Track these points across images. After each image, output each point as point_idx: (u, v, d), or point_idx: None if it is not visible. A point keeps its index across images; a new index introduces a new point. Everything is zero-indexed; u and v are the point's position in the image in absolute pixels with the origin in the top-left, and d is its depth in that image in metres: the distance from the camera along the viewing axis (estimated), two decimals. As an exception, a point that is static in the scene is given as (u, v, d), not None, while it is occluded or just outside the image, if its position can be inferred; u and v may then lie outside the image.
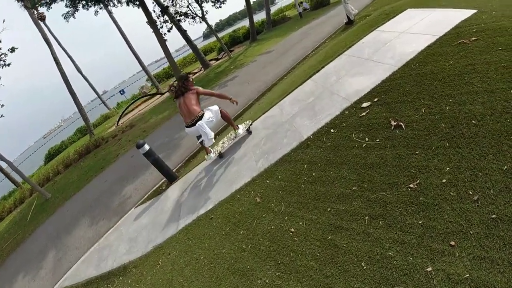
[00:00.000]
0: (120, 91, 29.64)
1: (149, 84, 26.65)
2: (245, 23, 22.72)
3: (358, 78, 3.95)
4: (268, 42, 17.13)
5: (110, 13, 21.33)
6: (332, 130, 3.38)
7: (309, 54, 9.70)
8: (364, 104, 3.33)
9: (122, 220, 5.75)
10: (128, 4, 16.30)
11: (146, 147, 5.50)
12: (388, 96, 3.21)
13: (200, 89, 4.69)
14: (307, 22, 16.94)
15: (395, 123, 2.84)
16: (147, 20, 15.82)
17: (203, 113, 4.49)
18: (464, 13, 3.78)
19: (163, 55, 17.04)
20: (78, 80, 27.88)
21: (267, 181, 3.51)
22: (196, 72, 20.79)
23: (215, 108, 4.76)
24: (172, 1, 17.61)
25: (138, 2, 16.09)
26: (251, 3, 22.82)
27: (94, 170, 10.86)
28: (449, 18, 3.84)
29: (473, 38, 3.19)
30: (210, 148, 5.17)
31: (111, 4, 17.27)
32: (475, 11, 3.76)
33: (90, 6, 15.79)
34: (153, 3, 17.36)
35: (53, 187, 12.69)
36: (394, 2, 8.69)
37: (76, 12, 16.17)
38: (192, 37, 20.12)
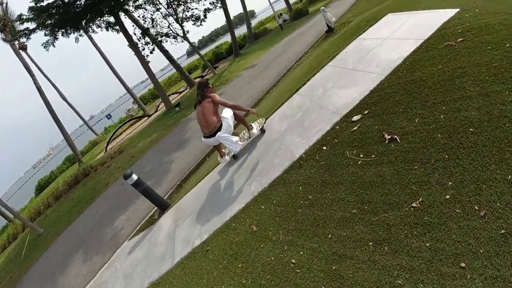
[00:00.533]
0: (106, 116, 29.29)
1: (136, 107, 26.37)
2: (228, 38, 22.90)
3: (345, 89, 3.84)
4: (251, 56, 17.19)
5: (91, 38, 21.18)
6: (324, 148, 3.23)
7: (293, 66, 9.69)
8: (355, 118, 3.21)
9: (116, 255, 5.47)
10: (107, 30, 16.17)
11: (134, 177, 5.27)
12: (378, 108, 3.10)
13: (217, 97, 4.39)
14: (288, 33, 17.09)
15: (389, 137, 2.71)
16: (128, 44, 15.72)
17: (221, 124, 4.32)
18: (447, 13, 3.73)
19: (146, 77, 16.93)
20: (65, 107, 27.47)
21: (262, 207, 3.33)
22: (182, 91, 20.69)
23: (230, 114, 4.54)
24: (152, 23, 17.57)
25: (117, 27, 16.01)
26: (232, 17, 23.03)
27: (84, 201, 10.53)
28: (431, 20, 3.79)
29: (460, 39, 3.12)
30: (224, 151, 4.99)
31: (90, 30, 17.14)
32: (457, 10, 3.72)
33: (70, 33, 15.64)
34: (133, 26, 17.30)
35: (44, 221, 12.32)
36: (372, 8, 8.79)
37: (55, 41, 15.96)
38: (176, 55, 20.10)
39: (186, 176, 6.56)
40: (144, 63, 15.87)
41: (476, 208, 1.91)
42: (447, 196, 2.08)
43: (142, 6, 16.98)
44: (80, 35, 17.04)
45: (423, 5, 4.51)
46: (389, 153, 2.62)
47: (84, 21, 14.91)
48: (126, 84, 23.00)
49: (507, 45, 2.71)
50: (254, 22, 39.34)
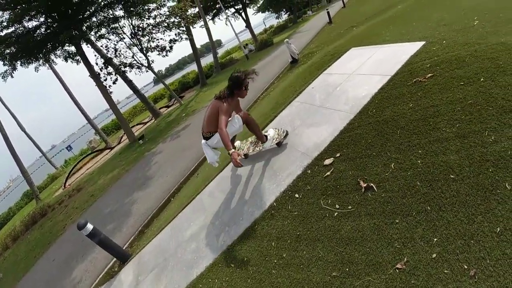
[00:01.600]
0: (67, 148, 27.59)
1: (98, 138, 25.04)
2: (195, 66, 22.82)
3: (314, 128, 3.65)
4: (218, 86, 17.09)
5: (50, 68, 20.06)
6: (297, 195, 2.94)
7: (259, 97, 9.61)
8: (327, 161, 2.98)
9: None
10: (66, 60, 15.41)
11: (89, 227, 4.66)
12: (350, 150, 2.90)
13: (223, 110, 3.38)
14: (254, 63, 17.31)
15: (365, 185, 2.48)
16: (89, 74, 15.03)
17: (211, 136, 3.74)
18: (412, 47, 3.72)
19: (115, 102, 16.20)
20: (25, 138, 25.54)
21: (232, 265, 2.92)
22: (147, 122, 19.98)
23: (239, 123, 3.77)
24: (115, 53, 17.04)
25: (78, 58, 15.34)
26: (199, 46, 23.11)
27: (41, 246, 9.47)
28: (397, 54, 3.76)
29: (429, 75, 3.05)
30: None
31: (49, 60, 16.28)
32: (423, 42, 3.72)
33: (30, 63, 14.73)
34: (95, 55, 16.66)
35: (3, 264, 10.99)
36: (336, 41, 9.07)
37: (14, 71, 14.94)
38: (143, 83, 19.65)
39: (148, 221, 5.99)
40: (106, 94, 15.16)
41: (465, 267, 1.71)
42: (434, 255, 1.86)
43: (105, 36, 16.48)
44: (39, 65, 16.15)
45: (387, 38, 4.55)
46: (366, 204, 2.38)
47: (44, 50, 14.14)
48: (87, 114, 21.84)
49: (481, 79, 2.64)
50: (220, 52, 40.07)
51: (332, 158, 2.96)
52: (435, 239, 1.92)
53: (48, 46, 13.95)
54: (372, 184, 2.45)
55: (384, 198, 2.33)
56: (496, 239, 1.74)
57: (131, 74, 22.14)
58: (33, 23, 13.64)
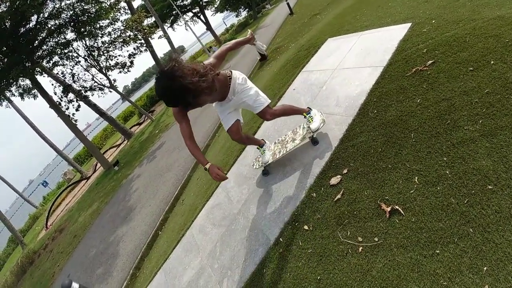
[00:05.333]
0: (42, 184, 26.10)
1: (72, 169, 23.71)
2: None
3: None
4: (188, 95, 16.36)
5: (10, 104, 18.55)
6: (306, 227, 2.47)
7: (234, 102, 9.07)
8: (333, 180, 2.51)
9: None
10: (22, 98, 14.24)
11: (75, 286, 4.00)
12: (359, 164, 2.44)
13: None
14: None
15: (388, 208, 2.03)
16: (49, 105, 13.93)
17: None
18: (399, 31, 3.30)
19: (85, 126, 15.19)
20: None
21: (243, 326, 2.42)
22: (120, 144, 18.97)
23: None
24: (73, 78, 15.92)
25: (34, 91, 14.22)
26: (162, 55, 22.21)
27: None
28: (383, 41, 3.34)
29: (429, 62, 2.64)
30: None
31: (6, 98, 15.05)
32: (409, 24, 3.31)
33: None
34: (52, 84, 15.47)
35: None
36: (303, 32, 8.66)
37: None
38: (111, 101, 18.58)
39: (138, 261, 5.38)
40: (70, 123, 14.11)
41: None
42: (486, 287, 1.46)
43: (59, 63, 15.34)
44: None
45: (364, 23, 4.12)
46: (395, 233, 1.93)
47: None
48: (57, 147, 20.49)
49: (491, 62, 2.25)
50: (185, 57, 38.98)
51: (339, 176, 2.50)
52: (485, 268, 1.53)
53: (1, 85, 12.79)
54: (397, 207, 2.01)
55: (415, 223, 1.89)
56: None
57: (96, 97, 20.97)
58: None
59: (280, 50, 9.44)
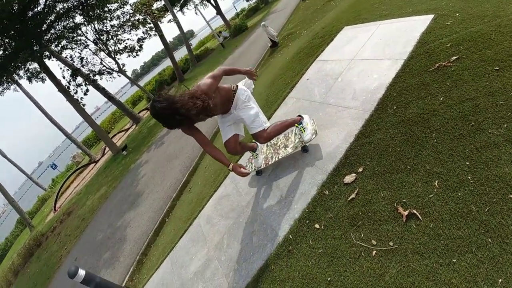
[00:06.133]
0: (51, 166, 26.44)
1: (81, 152, 24.00)
2: (170, 61, 21.70)
3: (321, 132, 3.06)
4: (196, 80, 16.17)
5: (19, 87, 18.68)
6: (317, 226, 2.39)
7: (244, 89, 8.92)
8: (348, 179, 2.42)
9: None
10: (30, 81, 14.24)
11: (81, 273, 3.99)
12: (376, 163, 2.34)
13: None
14: (231, 51, 16.47)
15: (405, 212, 1.94)
16: (58, 89, 13.95)
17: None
18: (421, 22, 3.12)
19: (94, 109, 15.28)
20: (8, 165, 24.31)
21: (250, 321, 2.39)
22: (128, 129, 19.03)
23: None
24: (82, 62, 15.86)
25: (42, 75, 14.22)
26: (171, 39, 21.97)
27: (41, 283, 8.87)
28: (404, 33, 3.16)
29: (454, 57, 2.48)
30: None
31: (14, 81, 15.12)
32: (432, 16, 3.12)
33: None
34: (61, 69, 15.44)
35: None
36: (316, 18, 8.38)
37: None
38: (120, 84, 18.56)
39: (145, 248, 5.42)
40: (79, 108, 14.14)
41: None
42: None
43: (68, 46, 15.26)
44: (5, 89, 15.01)
45: (384, 12, 3.91)
46: (412, 239, 1.84)
47: (5, 73, 13.04)
48: (66, 131, 20.61)
49: (520, 62, 2.11)
50: (194, 42, 38.63)
51: (354, 175, 2.40)
52: (500, 280, 1.47)
53: (10, 68, 12.82)
54: (414, 211, 1.91)
55: (433, 230, 1.80)
56: None
57: (104, 81, 20.97)
58: None
59: (291, 37, 9.20)
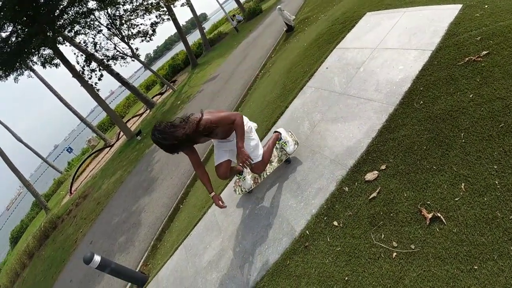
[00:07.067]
0: (67, 150, 27.07)
1: (95, 135, 24.44)
2: (183, 46, 21.53)
3: (341, 125, 2.97)
4: (210, 65, 16.08)
5: (33, 72, 18.97)
6: (335, 223, 2.34)
7: (258, 75, 8.78)
8: (369, 176, 2.34)
9: None
10: (44, 67, 14.39)
11: (97, 259, 4.15)
12: (400, 161, 2.24)
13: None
14: (245, 35, 16.15)
15: (429, 215, 1.86)
16: (72, 75, 14.09)
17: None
18: (449, 12, 2.93)
19: (108, 94, 15.47)
20: (23, 148, 25.02)
21: (265, 314, 2.41)
22: (142, 113, 19.18)
23: None
24: (95, 47, 15.89)
25: (56, 61, 14.35)
26: (184, 23, 21.73)
27: (56, 265, 9.23)
28: (431, 22, 2.97)
29: (484, 52, 2.32)
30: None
31: (26, 68, 15.33)
32: (460, 6, 2.92)
33: (8, 75, 13.90)
34: (75, 54, 15.54)
35: (23, 286, 10.86)
36: (335, 3, 8.05)
37: None
38: (134, 69, 18.59)
39: (159, 233, 5.52)
40: (93, 93, 14.28)
41: None
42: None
43: (81, 32, 15.27)
44: (18, 75, 15.27)
45: (409, -2, 3.70)
46: (434, 243, 1.78)
47: (19, 59, 13.21)
48: (80, 115, 20.96)
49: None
50: (207, 26, 38.12)
51: (376, 172, 2.32)
52: None
53: (23, 55, 12.99)
54: (439, 214, 1.84)
55: (457, 235, 1.73)
56: None
57: (118, 66, 20.99)
58: (2, 34, 12.69)
59: (308, 21, 8.90)
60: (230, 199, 3.90)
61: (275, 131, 3.23)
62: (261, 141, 3.23)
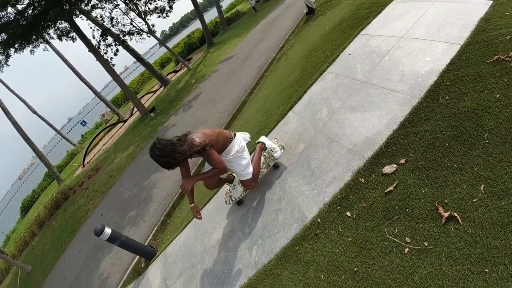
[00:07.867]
0: (81, 123, 27.54)
1: (109, 110, 24.74)
2: (199, 23, 21.18)
3: (361, 114, 2.91)
4: (226, 45, 15.85)
5: (49, 46, 19.08)
6: (348, 214, 2.34)
7: (275, 57, 8.62)
8: (387, 169, 2.31)
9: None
10: (60, 39, 14.42)
11: (107, 231, 4.29)
12: (420, 156, 2.20)
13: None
14: (263, 16, 15.78)
15: (446, 214, 1.84)
16: (88, 49, 14.13)
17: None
18: (479, 7, 2.80)
19: (123, 69, 15.53)
20: (38, 120, 25.53)
21: (271, 294, 2.47)
22: (156, 90, 19.23)
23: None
24: (112, 21, 15.80)
25: (72, 35, 14.36)
26: (201, 0, 21.34)
27: (66, 235, 9.62)
28: (461, 14, 2.85)
29: (513, 53, 2.22)
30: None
31: (42, 41, 15.41)
32: (490, 1, 2.78)
33: (24, 48, 14.01)
34: (91, 28, 15.51)
35: (32, 254, 11.49)
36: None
37: (8, 60, 14.42)
38: (149, 45, 18.51)
39: (169, 210, 5.66)
40: (109, 68, 14.34)
41: None
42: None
43: (97, 6, 15.16)
44: (34, 47, 15.40)
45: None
46: (448, 242, 1.77)
47: (36, 32, 13.26)
48: (95, 89, 21.14)
49: None
50: (225, 4, 37.29)
51: (395, 166, 2.29)
52: None
53: (39, 27, 13.00)
54: (455, 214, 1.81)
55: (471, 236, 1.71)
56: None
57: (134, 42, 20.94)
58: (19, 6, 12.71)
59: (330, 4, 8.61)
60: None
61: (258, 142, 3.38)
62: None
